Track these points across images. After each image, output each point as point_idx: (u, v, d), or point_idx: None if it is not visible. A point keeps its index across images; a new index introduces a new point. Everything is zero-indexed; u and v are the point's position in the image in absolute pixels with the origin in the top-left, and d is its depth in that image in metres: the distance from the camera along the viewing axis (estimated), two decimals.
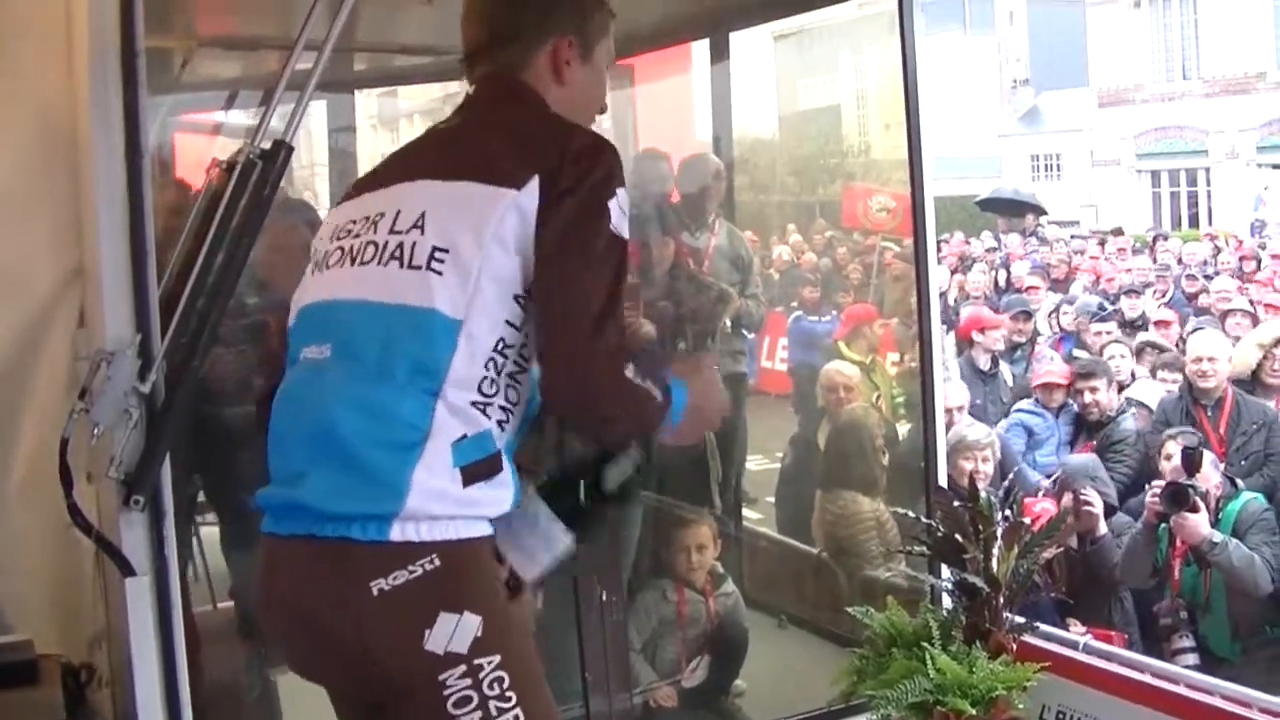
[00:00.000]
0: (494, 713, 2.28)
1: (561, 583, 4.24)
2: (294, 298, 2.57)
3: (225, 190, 3.17)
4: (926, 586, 4.69)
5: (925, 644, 4.02)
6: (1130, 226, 26.51)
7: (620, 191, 2.40)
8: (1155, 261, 16.84)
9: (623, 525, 4.90)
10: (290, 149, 3.21)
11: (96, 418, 2.99)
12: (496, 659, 2.30)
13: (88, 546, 3.18)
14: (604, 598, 4.28)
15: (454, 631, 2.28)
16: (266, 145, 3.20)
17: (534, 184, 2.33)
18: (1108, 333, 9.89)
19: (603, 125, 7.45)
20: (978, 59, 52.89)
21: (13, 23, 3.28)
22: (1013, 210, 26.51)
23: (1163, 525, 6.13)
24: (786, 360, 9.19)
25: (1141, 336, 10.13)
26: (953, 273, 17.00)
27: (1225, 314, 11.29)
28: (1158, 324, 11.07)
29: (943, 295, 15.29)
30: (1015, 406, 8.43)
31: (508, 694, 2.30)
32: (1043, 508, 5.86)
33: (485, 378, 2.35)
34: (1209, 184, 37.31)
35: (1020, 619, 4.33)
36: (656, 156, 6.43)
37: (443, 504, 2.30)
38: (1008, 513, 4.38)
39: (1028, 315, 11.09)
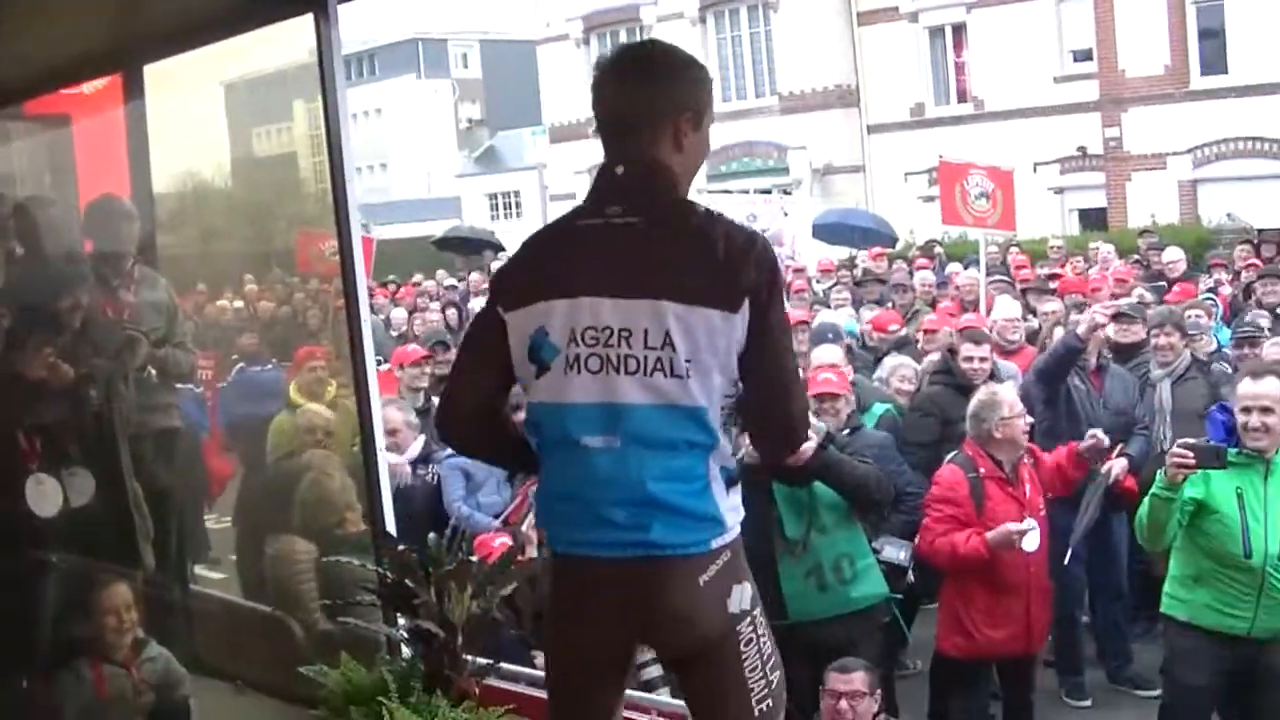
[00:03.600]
0: (763, 644, 3.26)
1: None
2: (539, 391, 3.22)
3: None
4: (382, 638, 4.54)
5: (383, 699, 3.89)
6: None
7: (782, 279, 3.34)
8: None
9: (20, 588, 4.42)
10: None
11: None
12: (760, 607, 3.30)
13: None
14: (24, 684, 3.88)
15: (742, 596, 3.22)
16: None
17: (745, 306, 3.10)
18: None
19: (43, 181, 6.97)
20: (434, 103, 53.82)
21: None
22: (470, 248, 26.98)
23: None
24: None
25: None
26: (410, 312, 17.99)
27: None
28: None
29: (401, 335, 15.66)
30: (446, 453, 8.18)
31: (765, 631, 3.28)
32: (501, 542, 5.81)
33: (722, 427, 3.19)
34: None
35: (484, 661, 4.25)
36: (48, 204, 6.04)
37: (729, 515, 3.22)
38: (459, 554, 4.28)
39: (446, 347, 10.97)
